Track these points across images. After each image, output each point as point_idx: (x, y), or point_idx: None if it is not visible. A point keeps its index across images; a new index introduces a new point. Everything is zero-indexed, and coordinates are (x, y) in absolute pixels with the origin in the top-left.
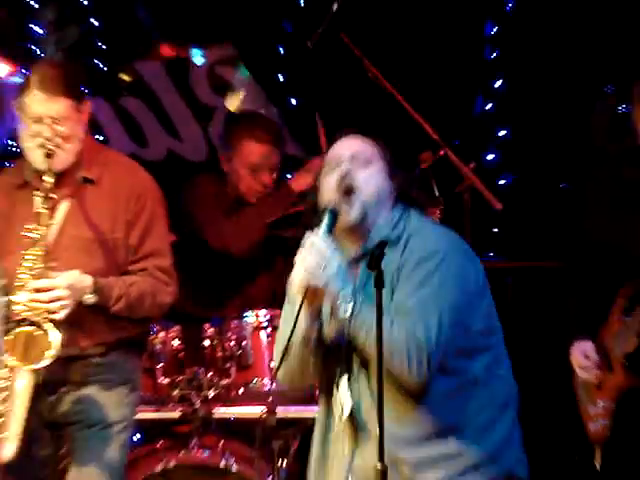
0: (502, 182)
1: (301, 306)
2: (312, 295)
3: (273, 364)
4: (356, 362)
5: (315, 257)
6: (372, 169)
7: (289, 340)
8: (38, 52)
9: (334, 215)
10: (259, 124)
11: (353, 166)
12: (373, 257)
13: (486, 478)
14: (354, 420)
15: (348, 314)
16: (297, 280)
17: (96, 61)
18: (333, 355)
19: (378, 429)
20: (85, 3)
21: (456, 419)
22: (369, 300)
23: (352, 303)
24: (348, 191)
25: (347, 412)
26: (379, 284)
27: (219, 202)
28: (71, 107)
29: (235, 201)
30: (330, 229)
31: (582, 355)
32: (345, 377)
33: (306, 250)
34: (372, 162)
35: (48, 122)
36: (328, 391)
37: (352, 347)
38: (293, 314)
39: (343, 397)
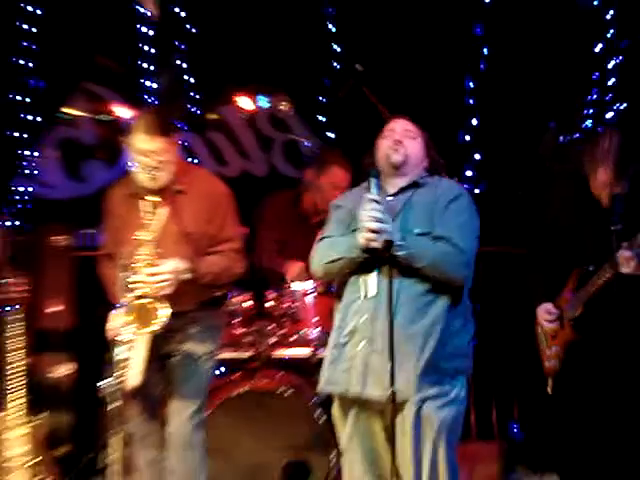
0: (477, 191)
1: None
2: (372, 234)
3: (316, 265)
4: (384, 268)
5: (377, 210)
6: (415, 141)
7: (336, 260)
8: (151, 101)
9: (377, 176)
10: (343, 158)
11: (404, 137)
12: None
13: (453, 366)
14: (373, 301)
15: (400, 242)
16: (365, 224)
17: (191, 107)
18: (363, 266)
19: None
20: (184, 66)
21: (443, 321)
22: (407, 225)
23: (400, 238)
24: (397, 148)
25: (373, 293)
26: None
27: (286, 218)
28: (165, 142)
29: (299, 218)
30: (378, 188)
31: (546, 312)
32: (375, 273)
33: (370, 204)
34: (416, 138)
35: (150, 155)
36: (350, 279)
37: (383, 260)
38: (330, 246)
39: (371, 284)
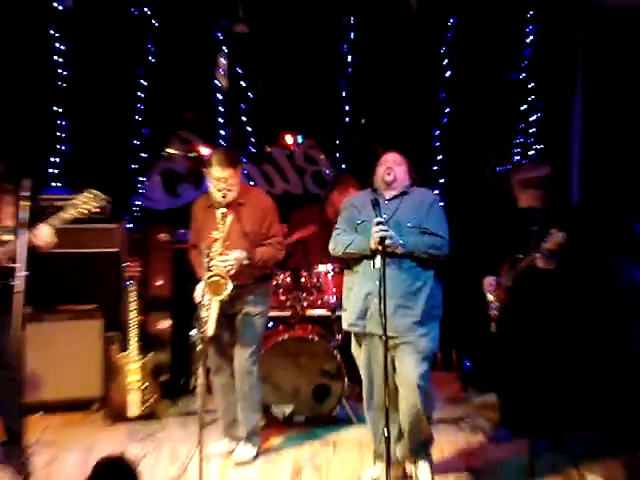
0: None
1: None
2: (377, 243)
3: (337, 250)
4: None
5: (384, 232)
6: (401, 167)
7: (354, 252)
8: (223, 143)
9: (378, 202)
10: (354, 182)
11: (394, 164)
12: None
13: (434, 314)
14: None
15: (400, 243)
16: (376, 239)
17: (250, 147)
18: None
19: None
20: (244, 119)
21: (429, 285)
22: (400, 220)
23: (401, 241)
24: (389, 173)
25: (378, 266)
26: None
27: (320, 221)
28: (233, 172)
29: (326, 222)
30: (381, 213)
31: (488, 283)
32: (379, 257)
33: (378, 226)
34: (401, 165)
35: (222, 180)
36: (364, 261)
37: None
38: (347, 239)
39: (377, 261)
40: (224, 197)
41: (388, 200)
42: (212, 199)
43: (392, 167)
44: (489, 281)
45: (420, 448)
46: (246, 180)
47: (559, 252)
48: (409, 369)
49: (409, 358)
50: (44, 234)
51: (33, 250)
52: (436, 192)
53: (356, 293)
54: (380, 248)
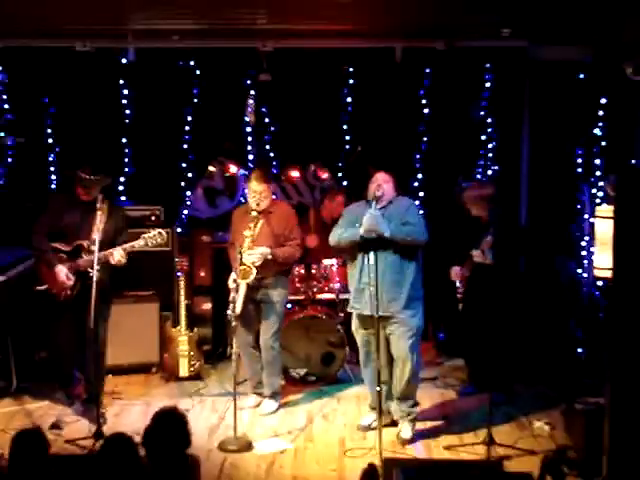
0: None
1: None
2: (367, 232)
3: (333, 239)
4: (380, 246)
5: (374, 219)
6: (389, 184)
7: (346, 238)
8: (251, 166)
9: (375, 201)
10: (341, 191)
11: (383, 182)
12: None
13: (417, 296)
14: (373, 266)
15: (387, 234)
16: (366, 226)
17: (274, 169)
18: (360, 245)
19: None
20: (268, 147)
21: (412, 274)
22: (389, 224)
23: (388, 231)
24: (379, 189)
25: (372, 262)
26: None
27: (317, 221)
28: (266, 187)
29: (323, 223)
30: (375, 205)
31: (455, 272)
32: (372, 253)
33: (370, 215)
34: (389, 182)
35: (258, 192)
36: (359, 255)
37: (378, 242)
38: (351, 226)
39: (372, 258)
40: (258, 205)
41: (379, 209)
42: (248, 207)
43: (381, 184)
44: (455, 270)
45: (406, 410)
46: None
47: (494, 250)
48: (401, 343)
49: (401, 334)
50: (118, 255)
51: (106, 264)
52: (416, 202)
53: (355, 283)
54: (369, 234)
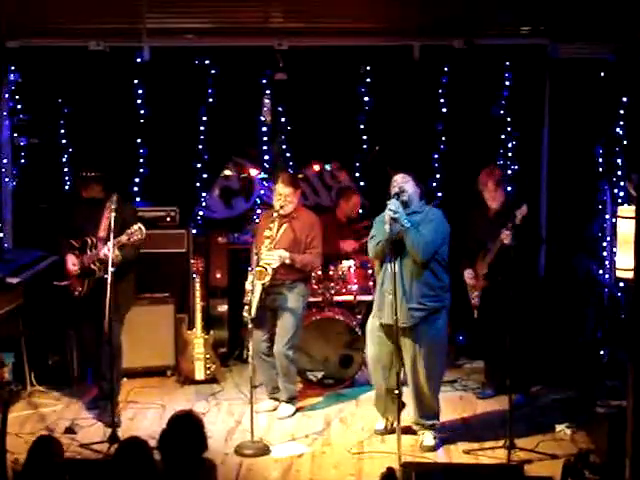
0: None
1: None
2: (392, 221)
3: (370, 250)
4: (402, 252)
5: (394, 207)
6: (409, 183)
7: (380, 241)
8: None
9: (397, 195)
10: (356, 192)
11: (403, 182)
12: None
13: (442, 315)
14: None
15: (407, 225)
16: (387, 216)
17: (289, 169)
18: (391, 250)
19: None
20: (284, 147)
21: (430, 282)
22: (413, 225)
23: (408, 223)
24: (401, 192)
25: (397, 269)
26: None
27: (333, 223)
28: (292, 191)
29: (339, 223)
30: (398, 199)
31: (468, 273)
32: (397, 259)
33: (391, 203)
34: (409, 181)
35: (283, 195)
36: (386, 262)
37: (404, 247)
38: (381, 230)
39: (397, 265)
40: (281, 207)
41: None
42: (273, 211)
43: (401, 185)
44: (468, 272)
45: (427, 423)
46: None
47: (520, 232)
48: (419, 356)
49: (416, 345)
50: (105, 250)
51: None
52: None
53: (378, 287)
54: (393, 225)
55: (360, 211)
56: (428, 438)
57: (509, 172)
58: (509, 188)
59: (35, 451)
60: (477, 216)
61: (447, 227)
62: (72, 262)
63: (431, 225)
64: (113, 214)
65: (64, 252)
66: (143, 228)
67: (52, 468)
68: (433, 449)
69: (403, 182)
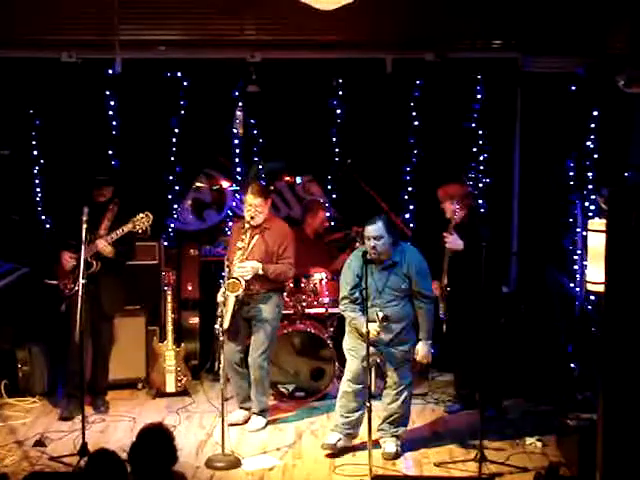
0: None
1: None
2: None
3: (341, 309)
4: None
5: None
6: (383, 239)
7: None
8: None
9: (365, 254)
10: (323, 205)
11: (376, 237)
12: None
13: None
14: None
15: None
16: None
17: (261, 181)
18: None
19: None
20: (257, 159)
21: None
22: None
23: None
24: (373, 248)
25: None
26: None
27: (301, 238)
28: (262, 201)
29: (307, 238)
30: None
31: (434, 286)
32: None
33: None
34: (383, 236)
35: (253, 206)
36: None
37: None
38: (349, 308)
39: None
40: (252, 218)
41: (381, 269)
42: (244, 222)
43: (372, 240)
44: (434, 284)
45: (390, 431)
46: None
47: (465, 232)
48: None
49: (395, 360)
50: (101, 244)
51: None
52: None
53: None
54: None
55: (329, 225)
56: (390, 445)
57: (480, 185)
58: (479, 201)
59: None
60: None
61: (425, 264)
62: (69, 256)
63: (415, 268)
64: (111, 215)
65: (59, 249)
66: (150, 215)
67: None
68: (395, 457)
69: (376, 233)
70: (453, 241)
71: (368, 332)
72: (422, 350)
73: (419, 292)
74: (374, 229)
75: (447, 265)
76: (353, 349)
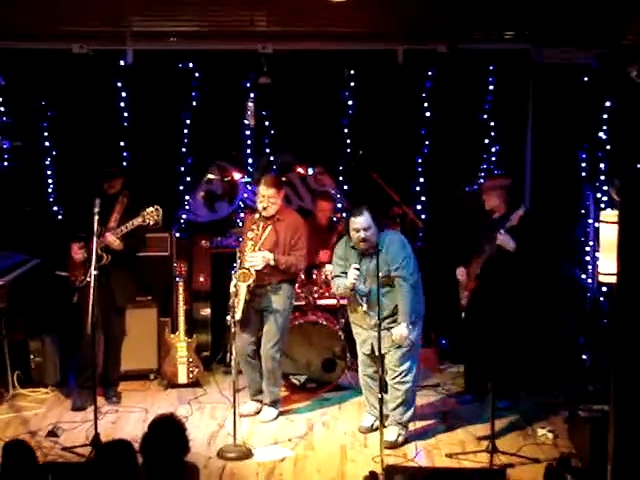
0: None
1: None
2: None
3: (336, 292)
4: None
5: (354, 275)
6: (371, 229)
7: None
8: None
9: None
10: (328, 195)
11: (365, 229)
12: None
13: (418, 320)
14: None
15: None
16: (349, 284)
17: (273, 172)
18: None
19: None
20: (268, 151)
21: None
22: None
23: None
24: (364, 240)
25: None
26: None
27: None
28: (275, 192)
29: (318, 227)
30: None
31: (460, 271)
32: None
33: (351, 273)
34: (371, 226)
35: (265, 197)
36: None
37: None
38: (338, 282)
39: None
40: (264, 209)
41: (364, 254)
42: (257, 213)
43: (360, 230)
44: (460, 270)
45: (396, 416)
46: None
47: (518, 235)
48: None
49: (386, 347)
50: (109, 238)
51: (108, 248)
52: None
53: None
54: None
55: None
56: (392, 432)
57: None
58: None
59: (8, 457)
60: (477, 218)
61: (406, 249)
62: (78, 247)
63: (397, 256)
64: (121, 207)
65: (69, 241)
66: (160, 209)
67: (30, 472)
68: (394, 445)
69: (365, 224)
70: (505, 240)
71: (354, 284)
72: (397, 331)
73: (397, 276)
74: (362, 220)
75: (486, 258)
76: (356, 335)
